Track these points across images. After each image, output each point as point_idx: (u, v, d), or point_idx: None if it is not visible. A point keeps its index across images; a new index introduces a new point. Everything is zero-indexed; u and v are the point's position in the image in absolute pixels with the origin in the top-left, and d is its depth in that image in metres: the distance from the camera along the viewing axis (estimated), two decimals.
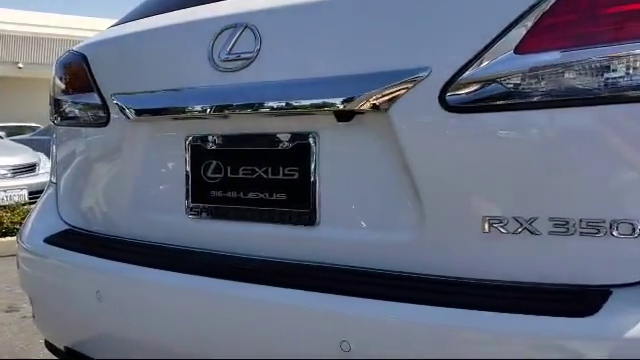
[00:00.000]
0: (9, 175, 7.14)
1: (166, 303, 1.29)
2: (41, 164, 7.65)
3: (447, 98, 1.03)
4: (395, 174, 1.12)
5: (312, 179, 1.21)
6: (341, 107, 1.13)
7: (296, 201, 1.23)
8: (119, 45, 1.57)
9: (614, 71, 0.92)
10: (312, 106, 1.17)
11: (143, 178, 1.49)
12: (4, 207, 6.35)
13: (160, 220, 1.47)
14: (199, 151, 1.38)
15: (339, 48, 1.16)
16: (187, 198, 1.40)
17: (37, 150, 8.18)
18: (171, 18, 1.45)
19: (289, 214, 1.24)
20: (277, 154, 1.26)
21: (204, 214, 1.37)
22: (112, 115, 1.51)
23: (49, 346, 1.74)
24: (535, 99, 0.98)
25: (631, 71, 0.91)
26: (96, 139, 1.62)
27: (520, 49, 0.98)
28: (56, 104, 1.71)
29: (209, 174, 1.36)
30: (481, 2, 1.03)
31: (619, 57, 0.92)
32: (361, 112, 1.12)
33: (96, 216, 1.63)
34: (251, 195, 1.30)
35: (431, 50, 1.06)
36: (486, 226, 1.02)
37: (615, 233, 0.93)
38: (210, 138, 1.36)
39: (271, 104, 1.22)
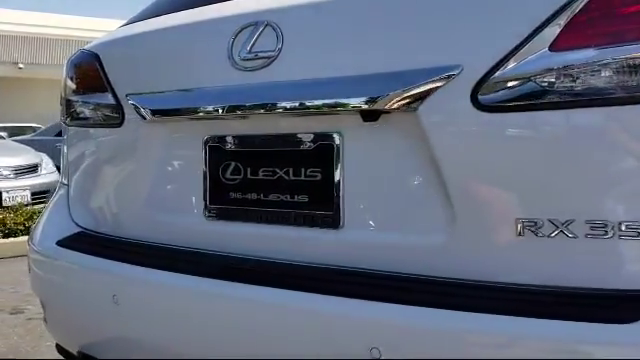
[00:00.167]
0: (12, 176, 7.10)
1: (186, 307, 1.26)
2: (43, 165, 7.63)
3: (479, 97, 1.00)
4: (424, 175, 1.09)
5: (336, 180, 1.18)
6: (368, 107, 1.09)
7: (319, 203, 1.20)
8: (133, 44, 1.54)
9: None
10: (337, 105, 1.14)
11: (159, 179, 1.47)
12: (7, 208, 6.33)
13: (177, 222, 1.44)
14: (218, 152, 1.35)
15: (365, 45, 1.13)
16: (205, 200, 1.37)
17: (39, 150, 8.16)
18: (188, 16, 1.42)
19: (312, 216, 1.21)
20: (299, 155, 1.23)
21: (223, 216, 1.34)
22: (127, 115, 1.48)
23: (61, 350, 1.72)
24: (571, 97, 0.95)
25: None
26: (110, 140, 1.59)
27: (555, 46, 0.95)
28: (67, 104, 1.68)
29: (228, 175, 1.33)
30: None
31: None
32: (389, 111, 1.09)
33: (109, 218, 1.60)
34: (272, 197, 1.27)
35: (463, 48, 1.03)
36: (520, 228, 0.99)
37: None
38: (229, 139, 1.33)
39: (293, 104, 1.19)
